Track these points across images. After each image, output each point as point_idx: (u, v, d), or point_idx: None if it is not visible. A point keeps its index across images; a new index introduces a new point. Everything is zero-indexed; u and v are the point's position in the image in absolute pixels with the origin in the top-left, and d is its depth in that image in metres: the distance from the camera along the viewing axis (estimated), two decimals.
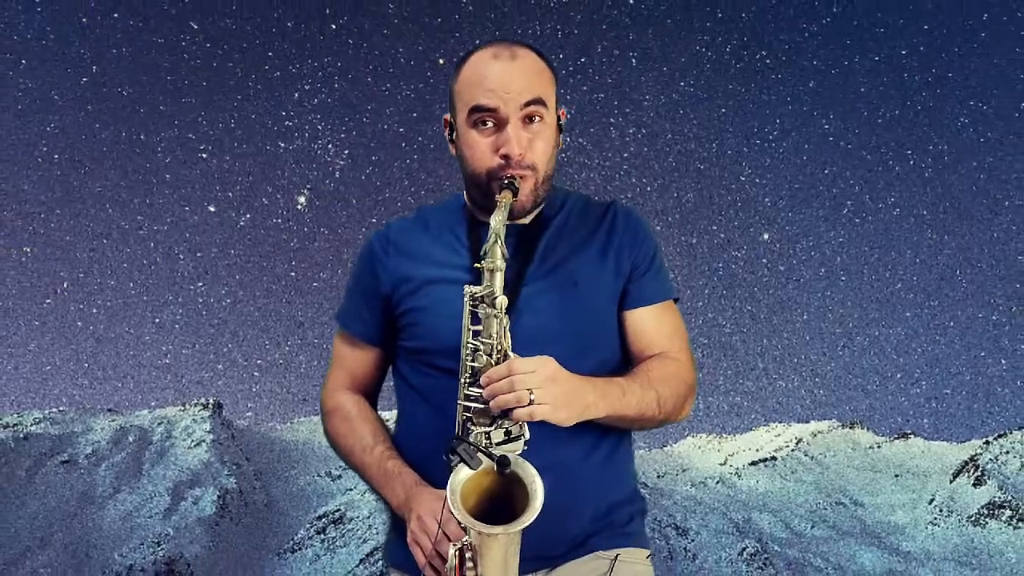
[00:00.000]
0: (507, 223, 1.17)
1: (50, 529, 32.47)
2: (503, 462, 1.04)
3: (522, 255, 1.30)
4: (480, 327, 1.12)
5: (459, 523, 1.08)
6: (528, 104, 1.23)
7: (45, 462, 36.82)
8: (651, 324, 1.33)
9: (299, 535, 34.24)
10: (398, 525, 1.30)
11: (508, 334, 1.11)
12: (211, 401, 43.40)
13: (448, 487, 1.04)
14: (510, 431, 1.08)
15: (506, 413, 1.06)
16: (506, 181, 1.23)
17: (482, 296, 1.12)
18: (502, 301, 1.10)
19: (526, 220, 1.35)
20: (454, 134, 1.32)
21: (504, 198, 1.19)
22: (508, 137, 1.23)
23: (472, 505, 1.05)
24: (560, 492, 1.19)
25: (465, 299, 1.14)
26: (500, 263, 1.12)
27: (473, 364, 1.12)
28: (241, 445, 42.23)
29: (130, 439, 39.72)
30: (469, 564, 1.06)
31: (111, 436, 39.61)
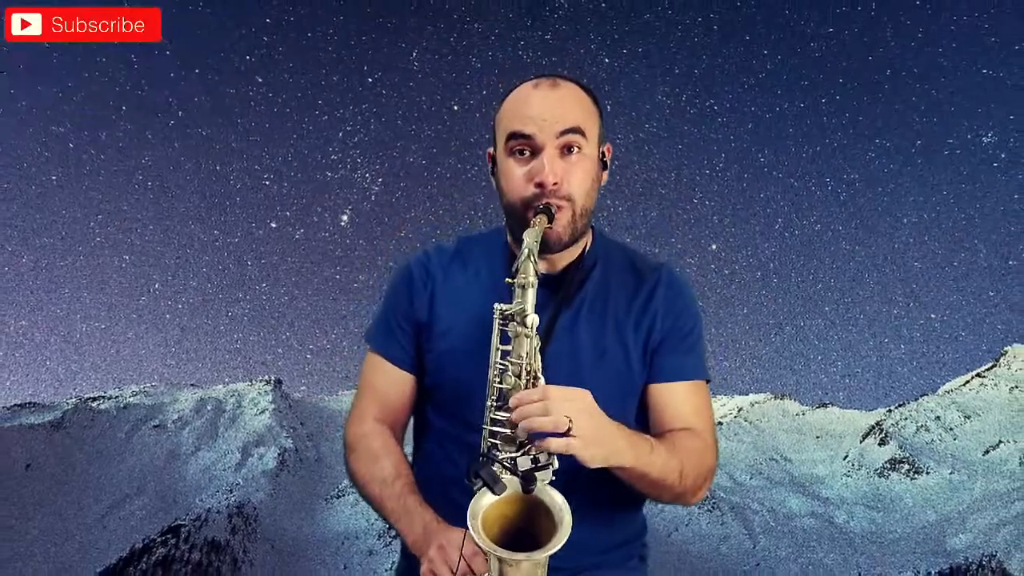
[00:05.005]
0: (542, 273, 0.88)
1: (144, 480, 32.35)
2: (528, 478, 0.77)
3: (553, 308, 0.98)
4: (509, 347, 0.83)
5: (483, 553, 0.80)
6: (565, 132, 0.93)
7: (140, 427, 36.78)
8: (679, 399, 1.01)
9: (343, 484, 33.94)
10: (410, 551, 1.02)
11: (539, 355, 0.82)
12: (273, 378, 43.33)
13: (469, 511, 0.76)
14: (537, 459, 0.79)
15: (534, 438, 0.77)
16: (541, 207, 0.92)
17: (512, 314, 0.83)
18: (533, 320, 0.81)
19: (561, 266, 1.02)
20: (495, 167, 1.00)
21: (539, 221, 0.90)
22: (543, 165, 0.92)
23: (495, 534, 0.77)
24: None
25: (495, 317, 0.85)
26: (532, 279, 0.83)
27: (501, 386, 0.83)
28: (297, 413, 42.04)
29: (208, 408, 39.64)
30: None
31: (193, 406, 39.58)
